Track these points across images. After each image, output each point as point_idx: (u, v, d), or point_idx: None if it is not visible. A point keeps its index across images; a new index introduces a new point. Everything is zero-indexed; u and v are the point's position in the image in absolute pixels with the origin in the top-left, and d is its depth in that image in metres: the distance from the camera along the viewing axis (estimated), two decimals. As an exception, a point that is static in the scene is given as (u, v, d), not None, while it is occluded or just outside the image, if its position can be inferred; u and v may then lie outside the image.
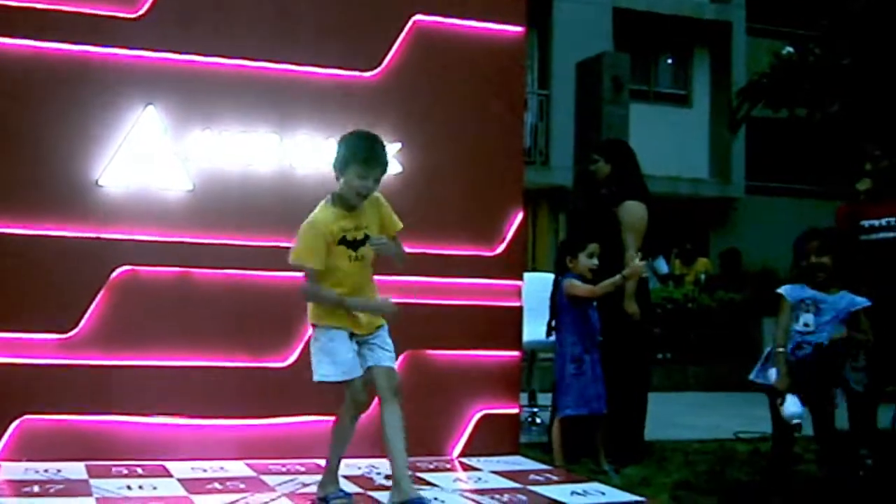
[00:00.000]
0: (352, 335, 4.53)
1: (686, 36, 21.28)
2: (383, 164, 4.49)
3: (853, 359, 5.42)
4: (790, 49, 13.55)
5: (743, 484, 5.54)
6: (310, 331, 4.64)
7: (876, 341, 5.32)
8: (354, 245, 4.47)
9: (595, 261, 5.97)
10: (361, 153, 4.43)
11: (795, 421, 5.05)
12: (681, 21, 20.84)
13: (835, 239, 5.42)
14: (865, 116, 11.49)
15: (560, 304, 6.07)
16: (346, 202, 4.47)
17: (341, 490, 4.68)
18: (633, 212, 6.18)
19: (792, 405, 5.03)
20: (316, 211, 4.49)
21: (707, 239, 20.83)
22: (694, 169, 21.10)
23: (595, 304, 6.01)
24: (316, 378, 4.51)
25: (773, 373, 5.24)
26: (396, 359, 4.59)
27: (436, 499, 4.85)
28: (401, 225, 4.67)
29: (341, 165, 4.45)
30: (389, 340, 4.63)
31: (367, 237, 4.49)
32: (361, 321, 4.55)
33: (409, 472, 4.53)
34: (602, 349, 6.00)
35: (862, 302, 5.20)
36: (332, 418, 4.69)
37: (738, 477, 5.78)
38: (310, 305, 4.56)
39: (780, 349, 5.19)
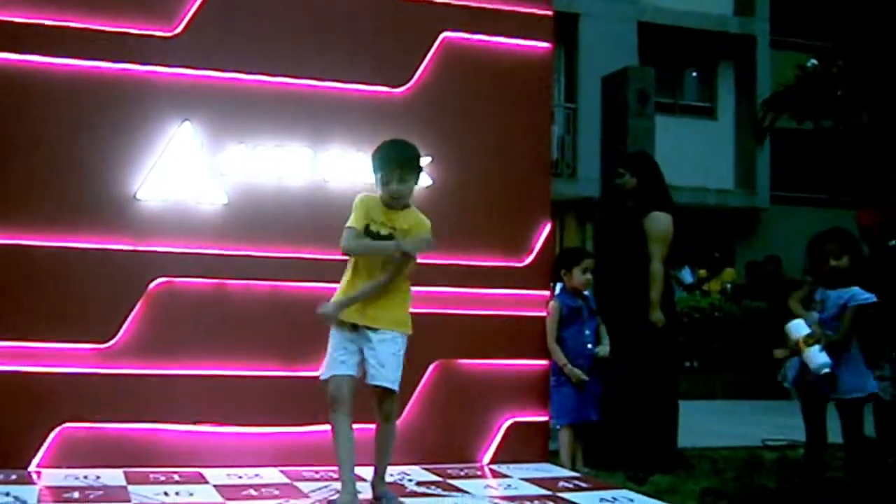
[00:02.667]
0: (354, 327, 4.56)
1: (711, 49, 21.16)
2: (400, 162, 4.58)
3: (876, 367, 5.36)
4: (814, 61, 13.45)
5: (772, 491, 5.48)
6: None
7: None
8: (377, 237, 4.56)
9: (589, 276, 6.10)
10: (378, 160, 4.64)
11: (825, 371, 4.98)
12: (705, 35, 20.73)
13: (850, 239, 5.35)
14: (889, 127, 11.37)
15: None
16: (387, 201, 4.64)
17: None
18: (659, 223, 6.15)
19: (818, 357, 4.99)
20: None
21: (733, 249, 20.69)
22: (720, 180, 20.97)
23: (588, 319, 6.14)
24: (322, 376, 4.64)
25: (792, 327, 5.24)
26: (427, 368, 4.57)
27: (466, 505, 4.85)
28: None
29: (374, 176, 4.64)
30: (390, 353, 4.57)
31: (390, 236, 4.58)
32: (367, 312, 4.56)
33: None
34: (628, 359, 6.01)
35: (862, 297, 5.11)
36: (364, 426, 4.68)
37: (766, 484, 5.72)
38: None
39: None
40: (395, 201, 4.60)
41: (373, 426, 4.70)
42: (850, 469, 5.19)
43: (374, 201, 4.64)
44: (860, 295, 5.12)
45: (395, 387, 4.57)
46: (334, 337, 4.61)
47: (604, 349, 6.13)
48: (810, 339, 5.10)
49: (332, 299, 4.61)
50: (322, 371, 4.63)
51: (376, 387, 4.56)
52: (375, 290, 4.55)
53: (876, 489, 5.10)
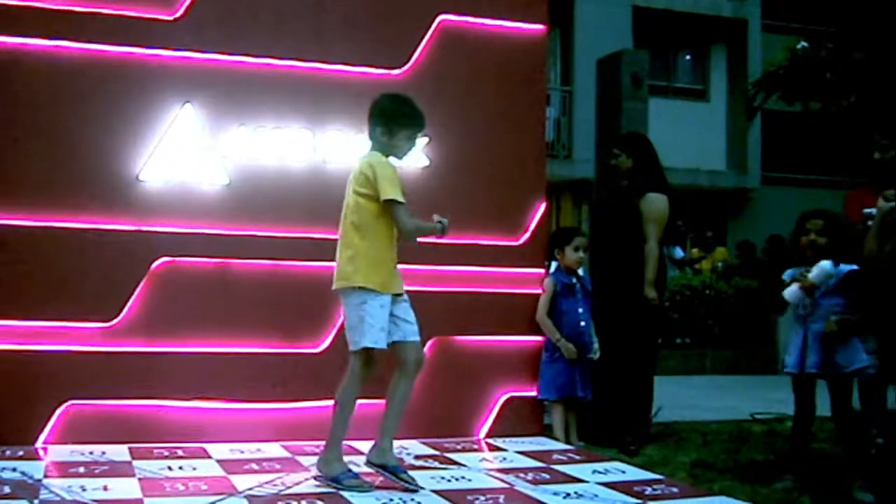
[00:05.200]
0: (394, 296, 4.53)
1: (703, 33, 21.09)
2: (424, 121, 4.61)
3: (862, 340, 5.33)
4: (804, 44, 13.40)
5: (759, 463, 5.48)
6: (342, 317, 4.60)
7: (887, 325, 5.22)
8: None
9: (581, 254, 6.12)
10: (411, 114, 4.57)
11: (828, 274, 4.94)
12: (698, 18, 20.67)
13: (838, 222, 5.30)
14: (879, 109, 11.33)
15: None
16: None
17: (350, 470, 4.60)
18: (655, 203, 6.13)
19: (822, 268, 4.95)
20: (374, 156, 4.53)
21: (725, 228, 20.69)
22: (712, 161, 20.93)
23: (581, 298, 6.12)
24: (366, 344, 4.42)
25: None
26: (424, 345, 4.55)
27: (463, 477, 4.84)
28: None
29: (391, 127, 4.53)
30: (412, 312, 4.61)
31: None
32: (398, 280, 4.56)
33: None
34: (620, 335, 6.01)
35: (844, 268, 5.07)
36: (366, 401, 4.63)
37: (753, 456, 5.72)
38: (363, 268, 4.45)
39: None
40: (403, 157, 4.60)
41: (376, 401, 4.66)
42: (841, 442, 5.17)
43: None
44: (843, 267, 5.08)
45: None
46: (381, 309, 4.44)
47: (595, 351, 6.11)
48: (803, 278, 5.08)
49: (354, 265, 4.46)
50: (379, 338, 4.43)
51: (414, 342, 4.57)
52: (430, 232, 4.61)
53: (866, 461, 5.09)
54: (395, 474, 4.49)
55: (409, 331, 4.57)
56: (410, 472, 4.62)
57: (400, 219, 4.45)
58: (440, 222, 4.53)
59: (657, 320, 6.18)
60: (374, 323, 4.43)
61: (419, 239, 4.67)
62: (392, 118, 4.53)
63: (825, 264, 4.95)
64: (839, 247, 5.10)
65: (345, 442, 4.62)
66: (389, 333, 4.50)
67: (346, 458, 4.62)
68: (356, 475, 4.53)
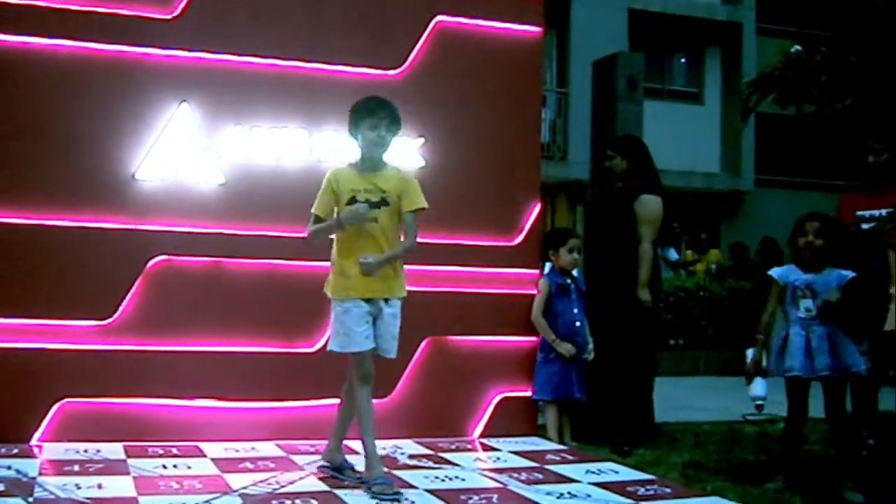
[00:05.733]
0: (368, 300, 4.49)
1: (698, 36, 21.10)
2: (390, 110, 4.53)
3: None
4: (798, 48, 13.39)
5: (751, 463, 5.48)
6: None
7: (877, 326, 5.23)
8: (372, 206, 4.47)
9: (575, 255, 6.11)
10: (367, 106, 4.53)
11: (759, 402, 5.08)
12: (693, 22, 20.67)
13: (836, 225, 5.31)
14: (873, 112, 11.34)
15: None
16: (367, 162, 4.54)
17: (348, 463, 4.72)
18: (649, 205, 6.12)
19: (758, 387, 5.09)
20: (333, 169, 4.59)
21: (719, 230, 20.70)
22: (706, 163, 20.94)
23: (576, 298, 6.11)
24: (348, 349, 4.49)
25: (749, 353, 5.31)
26: (419, 345, 4.54)
27: (457, 477, 4.83)
28: (421, 205, 4.57)
29: (354, 126, 4.55)
30: (398, 324, 4.58)
31: (384, 201, 4.49)
32: (374, 285, 4.50)
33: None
34: (614, 336, 6.02)
35: (848, 274, 5.08)
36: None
37: (745, 457, 5.72)
38: (331, 277, 4.55)
39: (760, 336, 5.12)
40: (377, 150, 4.52)
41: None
42: (835, 443, 5.17)
43: (343, 173, 4.54)
44: (844, 273, 5.07)
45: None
46: (351, 311, 4.46)
47: (590, 352, 6.10)
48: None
49: (337, 271, 4.52)
50: (341, 344, 4.49)
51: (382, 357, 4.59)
52: (404, 252, 4.57)
53: (859, 463, 5.09)
54: (338, 470, 4.67)
55: (384, 347, 4.57)
56: (405, 472, 4.62)
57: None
58: (338, 221, 4.49)
59: (651, 322, 6.17)
60: (350, 328, 4.46)
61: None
62: (353, 115, 4.56)
63: (761, 392, 5.09)
64: (836, 249, 5.10)
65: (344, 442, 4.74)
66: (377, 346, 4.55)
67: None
68: (352, 468, 4.66)
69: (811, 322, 4.98)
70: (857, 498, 4.67)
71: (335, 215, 4.51)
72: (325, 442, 4.87)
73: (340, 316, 4.49)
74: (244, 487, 4.40)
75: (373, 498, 4.27)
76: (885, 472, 5.13)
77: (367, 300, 4.49)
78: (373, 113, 4.50)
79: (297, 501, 4.19)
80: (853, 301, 5.02)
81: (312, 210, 4.53)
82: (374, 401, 4.62)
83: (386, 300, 4.54)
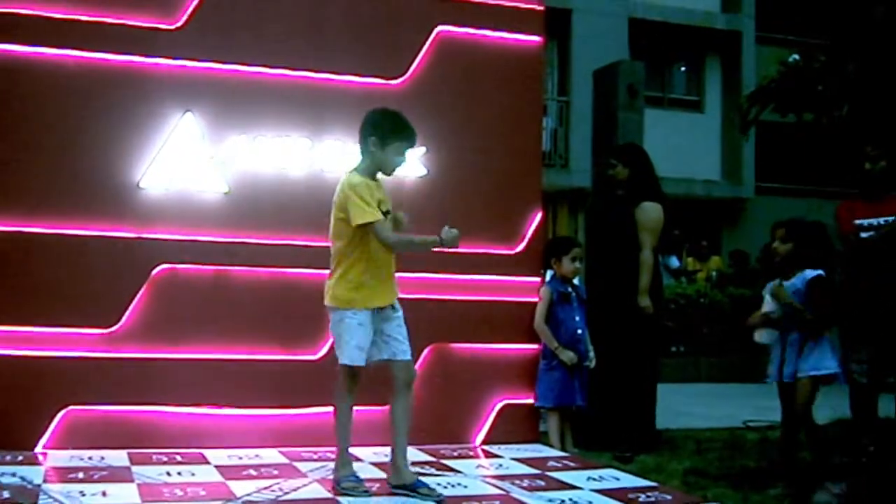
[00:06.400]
0: (381, 308, 4.51)
1: (698, 45, 21.11)
2: (415, 135, 4.56)
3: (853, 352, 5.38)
4: (796, 56, 13.39)
5: (751, 470, 5.48)
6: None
7: (877, 333, 5.25)
8: (385, 216, 4.48)
9: (578, 264, 6.11)
10: (399, 125, 4.50)
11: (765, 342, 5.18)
12: (693, 31, 20.68)
13: (801, 228, 5.37)
14: (871, 120, 11.34)
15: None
16: (374, 173, 4.53)
17: (354, 474, 4.63)
18: (650, 212, 6.13)
19: (765, 336, 5.16)
20: (350, 178, 4.48)
21: (719, 237, 20.68)
22: (706, 171, 20.92)
23: (578, 306, 6.11)
24: (344, 362, 4.48)
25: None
26: (421, 352, 4.56)
27: (459, 484, 4.83)
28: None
29: (381, 140, 4.46)
30: (404, 329, 4.59)
31: (388, 213, 4.52)
32: (386, 292, 4.53)
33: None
34: (615, 343, 6.02)
35: (811, 274, 5.12)
36: (362, 408, 4.70)
37: (746, 464, 5.71)
38: (333, 289, 4.50)
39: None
40: (391, 174, 4.56)
41: (374, 408, 4.66)
42: (809, 447, 5.21)
43: (370, 185, 4.48)
44: (809, 273, 5.14)
45: None
46: (359, 327, 4.45)
47: (591, 359, 6.10)
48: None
49: (337, 285, 4.49)
50: (356, 357, 4.47)
51: (404, 361, 4.56)
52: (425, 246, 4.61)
53: (834, 466, 5.09)
54: (414, 490, 4.48)
55: (399, 349, 4.56)
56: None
57: (380, 236, 4.42)
58: (442, 240, 4.46)
59: (652, 329, 6.16)
60: (350, 340, 4.46)
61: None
62: (385, 130, 4.49)
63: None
64: (804, 251, 5.16)
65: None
66: (378, 350, 4.54)
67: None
68: (357, 479, 4.57)
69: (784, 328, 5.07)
70: (822, 498, 4.65)
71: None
72: (328, 449, 4.86)
73: (352, 328, 4.45)
74: (248, 494, 4.40)
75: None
76: (884, 478, 5.12)
77: (380, 308, 4.52)
78: (407, 138, 4.50)
79: (301, 508, 4.19)
80: (813, 300, 5.07)
81: (370, 219, 4.34)
82: (378, 407, 4.62)
83: (392, 306, 4.58)
